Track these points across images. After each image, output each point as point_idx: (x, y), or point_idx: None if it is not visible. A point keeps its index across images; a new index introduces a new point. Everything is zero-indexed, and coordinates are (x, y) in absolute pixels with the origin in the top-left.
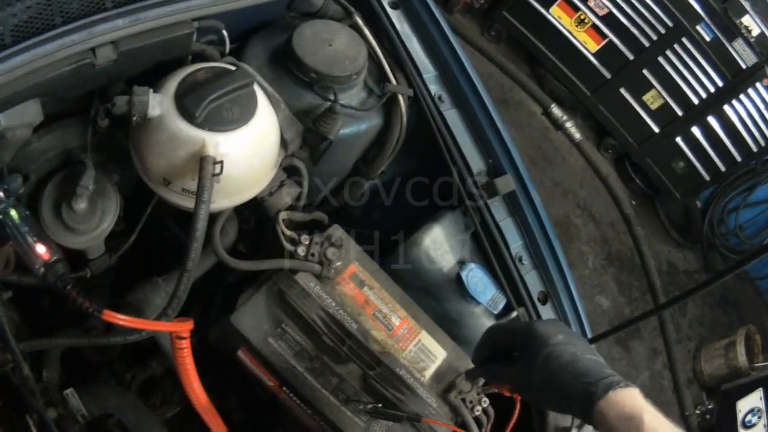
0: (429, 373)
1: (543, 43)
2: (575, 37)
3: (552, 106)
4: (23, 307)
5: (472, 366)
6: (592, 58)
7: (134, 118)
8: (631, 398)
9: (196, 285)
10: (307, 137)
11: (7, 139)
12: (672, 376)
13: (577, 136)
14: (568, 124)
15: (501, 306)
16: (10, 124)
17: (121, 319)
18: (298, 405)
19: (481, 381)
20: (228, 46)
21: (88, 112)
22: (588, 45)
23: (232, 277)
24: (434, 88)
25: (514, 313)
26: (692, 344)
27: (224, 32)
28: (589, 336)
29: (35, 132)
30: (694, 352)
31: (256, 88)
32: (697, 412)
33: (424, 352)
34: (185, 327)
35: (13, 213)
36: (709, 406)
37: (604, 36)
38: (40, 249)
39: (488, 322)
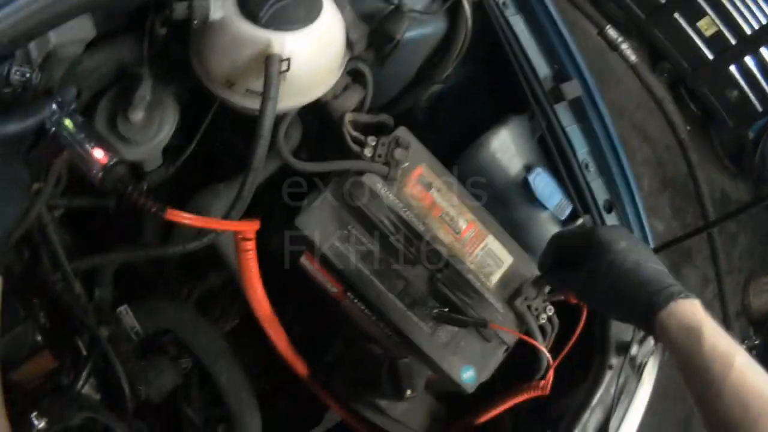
0: (495, 278)
1: None
2: None
3: (607, 26)
4: (74, 229)
5: (537, 272)
6: None
7: (195, 23)
8: (691, 309)
9: (257, 192)
10: (373, 38)
11: (58, 56)
12: (721, 307)
13: (633, 58)
14: (624, 46)
15: (567, 212)
16: (61, 41)
17: (186, 218)
18: (362, 311)
19: (547, 288)
20: None
21: (142, 28)
22: None
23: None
24: None
25: (580, 220)
26: (742, 277)
27: None
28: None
29: (88, 48)
30: (743, 285)
31: None
32: (744, 345)
33: (491, 256)
34: (252, 227)
35: (68, 122)
36: (756, 342)
37: None
38: (98, 153)
39: (554, 229)
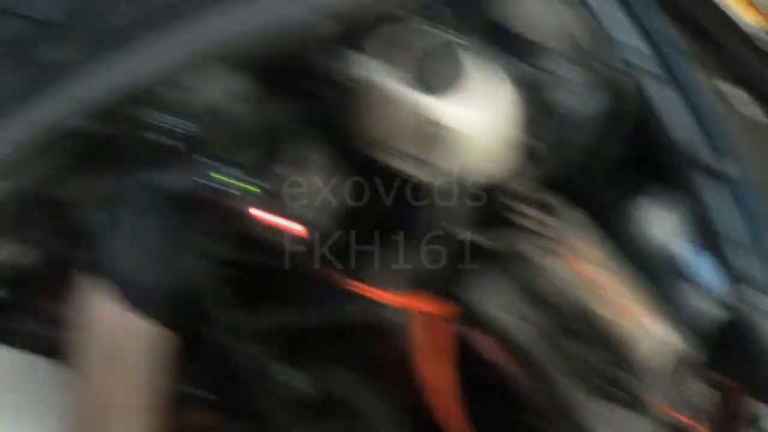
0: (644, 349)
1: None
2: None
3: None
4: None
5: (692, 350)
6: None
7: (354, 83)
8: None
9: None
10: (543, 113)
11: (214, 108)
12: None
13: None
14: None
15: (716, 287)
16: (217, 94)
17: (371, 292)
18: (524, 383)
19: (707, 370)
20: (436, 12)
21: (299, 85)
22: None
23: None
24: (648, 66)
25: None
26: None
27: None
28: None
29: (244, 102)
30: None
31: (481, 57)
32: None
33: (642, 328)
34: (446, 309)
35: (242, 183)
36: None
37: None
38: (282, 222)
39: (703, 303)
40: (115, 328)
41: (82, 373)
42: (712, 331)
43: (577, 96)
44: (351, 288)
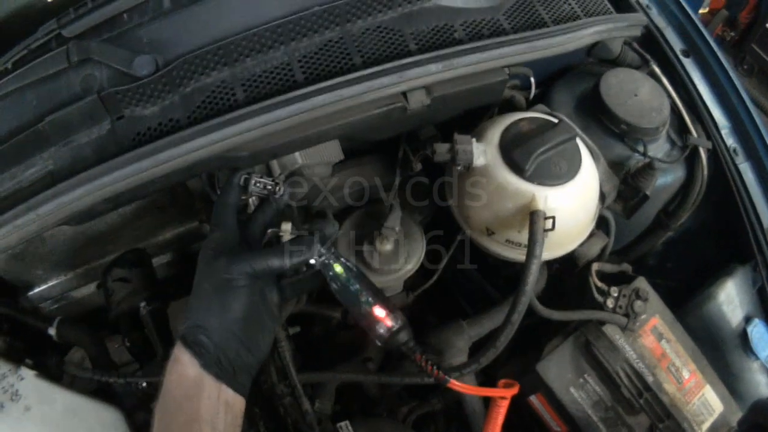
0: (705, 426)
1: None
2: None
3: None
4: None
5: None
6: None
7: (458, 167)
8: None
9: None
10: (622, 191)
11: (304, 176)
12: None
13: None
14: None
15: None
16: (307, 162)
17: (465, 388)
18: None
19: None
20: (533, 93)
21: (384, 150)
22: None
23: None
24: (730, 141)
25: None
26: None
27: (532, 79)
28: None
29: (334, 166)
30: None
31: (578, 140)
32: None
33: (706, 406)
34: (512, 392)
35: (338, 268)
36: None
37: None
38: (380, 313)
39: (764, 380)
40: (194, 389)
41: (156, 429)
42: (751, 415)
43: (661, 170)
44: (458, 389)
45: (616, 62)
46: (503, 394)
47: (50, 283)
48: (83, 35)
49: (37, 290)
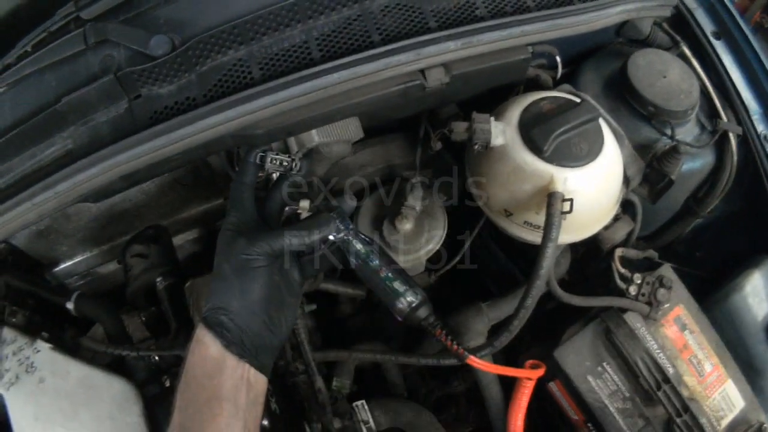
0: (725, 422)
1: None
2: None
3: None
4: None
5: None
6: None
7: (476, 147)
8: None
9: None
10: (648, 174)
11: (322, 154)
12: None
13: None
14: None
15: None
16: (325, 140)
17: (485, 366)
18: None
19: None
20: (560, 72)
21: (409, 129)
22: None
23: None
24: (761, 128)
25: None
26: None
27: (557, 58)
28: None
29: (354, 144)
30: None
31: (601, 121)
32: None
33: (726, 401)
34: (538, 373)
35: (359, 246)
36: None
37: None
38: (399, 287)
39: None
40: (216, 368)
41: (177, 407)
42: None
43: (688, 155)
44: (477, 365)
45: (645, 43)
46: (529, 375)
47: (76, 260)
48: (101, 17)
49: (62, 266)
